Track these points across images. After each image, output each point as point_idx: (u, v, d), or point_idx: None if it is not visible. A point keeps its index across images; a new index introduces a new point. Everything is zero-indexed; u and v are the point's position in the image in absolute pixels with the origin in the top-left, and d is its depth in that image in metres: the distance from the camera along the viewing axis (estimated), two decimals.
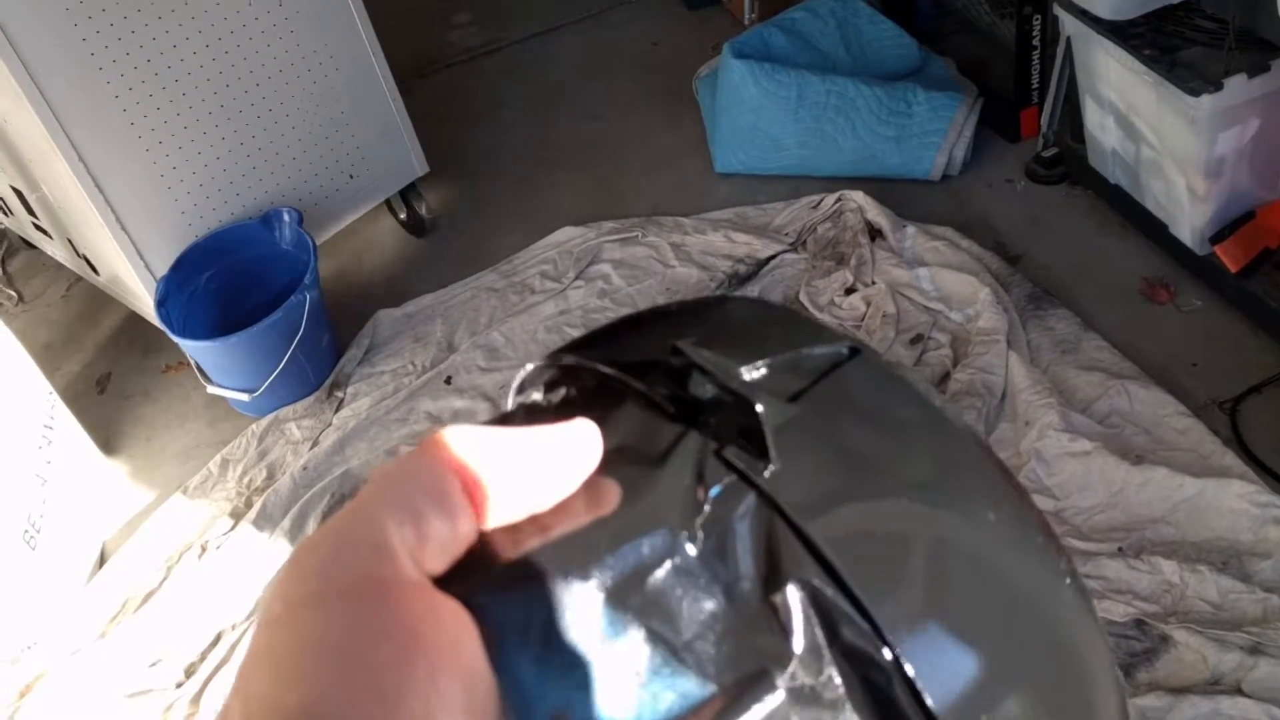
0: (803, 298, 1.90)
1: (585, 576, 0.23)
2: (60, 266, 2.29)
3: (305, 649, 0.21)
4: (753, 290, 1.94)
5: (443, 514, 0.24)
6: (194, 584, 1.67)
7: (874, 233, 1.99)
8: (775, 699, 0.22)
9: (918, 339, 1.78)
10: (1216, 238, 1.68)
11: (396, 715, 0.20)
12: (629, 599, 0.23)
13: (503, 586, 0.24)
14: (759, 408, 0.25)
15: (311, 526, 1.71)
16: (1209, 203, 1.64)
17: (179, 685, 1.54)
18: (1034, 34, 2.04)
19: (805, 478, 0.24)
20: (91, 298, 2.29)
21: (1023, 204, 2.03)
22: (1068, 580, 0.26)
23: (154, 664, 1.57)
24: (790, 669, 0.23)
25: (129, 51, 1.75)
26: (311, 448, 1.85)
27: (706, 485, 0.25)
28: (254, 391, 1.85)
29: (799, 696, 0.23)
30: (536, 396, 0.30)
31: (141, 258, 1.87)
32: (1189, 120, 1.56)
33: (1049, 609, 0.26)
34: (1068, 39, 1.82)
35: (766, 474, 0.24)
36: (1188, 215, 1.69)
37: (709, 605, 0.23)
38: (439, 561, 0.24)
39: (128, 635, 1.61)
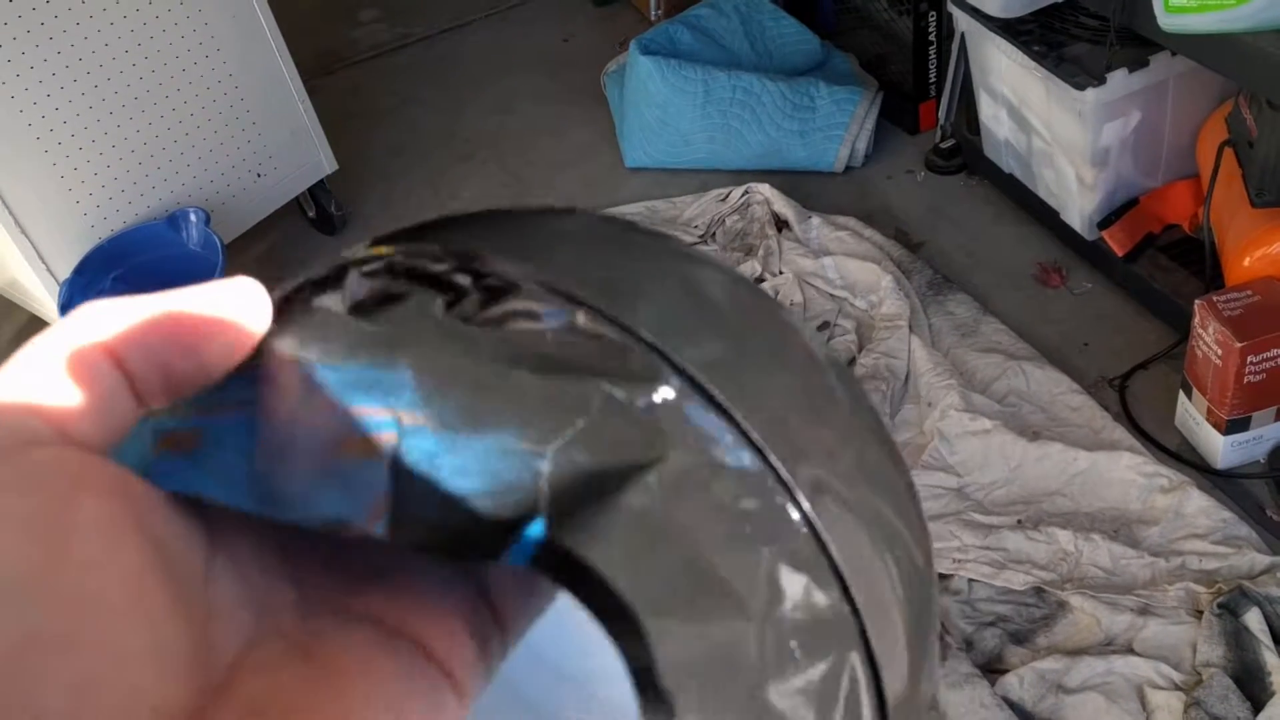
0: None
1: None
2: None
3: None
4: None
5: (94, 391, 0.20)
6: None
7: (780, 224, 2.04)
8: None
9: (824, 326, 1.83)
10: (1104, 223, 1.76)
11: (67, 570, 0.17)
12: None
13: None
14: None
15: None
16: (1096, 190, 1.72)
17: None
18: (930, 30, 2.11)
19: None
20: None
21: (922, 194, 2.10)
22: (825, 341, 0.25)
23: None
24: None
25: (24, 51, 1.71)
26: None
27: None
28: None
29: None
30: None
31: (43, 261, 1.83)
32: (1075, 113, 1.63)
33: (805, 341, 0.24)
34: (962, 35, 1.89)
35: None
36: (1077, 203, 1.76)
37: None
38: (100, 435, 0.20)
39: None
